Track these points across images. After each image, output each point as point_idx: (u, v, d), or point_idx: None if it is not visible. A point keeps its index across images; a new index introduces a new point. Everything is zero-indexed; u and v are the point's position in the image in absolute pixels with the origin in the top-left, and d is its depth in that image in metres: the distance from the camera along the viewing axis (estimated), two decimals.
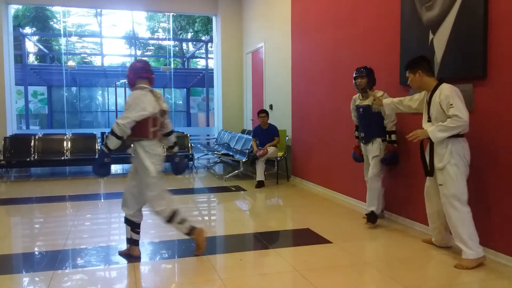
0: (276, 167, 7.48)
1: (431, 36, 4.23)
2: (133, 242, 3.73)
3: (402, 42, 4.63)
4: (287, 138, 7.74)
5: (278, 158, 7.40)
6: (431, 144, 3.60)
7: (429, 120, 3.63)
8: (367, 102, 4.65)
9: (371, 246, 4.10)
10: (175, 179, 8.27)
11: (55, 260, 3.69)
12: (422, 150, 3.75)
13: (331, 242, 4.13)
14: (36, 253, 3.98)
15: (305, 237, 4.39)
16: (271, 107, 8.60)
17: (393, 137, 4.58)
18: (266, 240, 4.27)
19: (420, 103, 3.83)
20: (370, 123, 4.65)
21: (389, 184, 4.92)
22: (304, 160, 7.23)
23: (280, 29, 8.07)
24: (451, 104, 3.38)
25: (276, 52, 8.41)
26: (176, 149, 3.90)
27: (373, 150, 4.61)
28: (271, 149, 7.13)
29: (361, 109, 4.69)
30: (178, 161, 3.88)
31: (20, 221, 5.32)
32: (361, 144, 4.85)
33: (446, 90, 3.47)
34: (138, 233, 3.75)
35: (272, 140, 7.26)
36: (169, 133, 3.82)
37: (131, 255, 3.71)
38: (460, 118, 3.35)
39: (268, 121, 7.42)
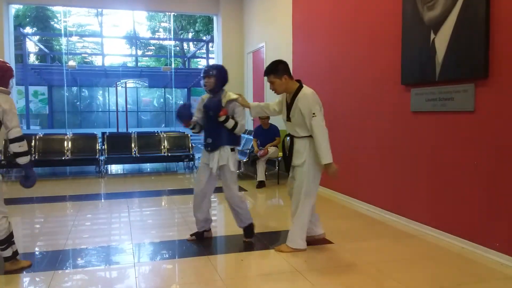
0: (277, 167, 7.47)
1: (432, 36, 4.22)
2: None
3: (403, 42, 4.61)
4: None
5: (279, 158, 7.39)
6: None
7: (289, 120, 3.83)
8: (222, 103, 4.04)
9: (372, 246, 4.08)
10: (176, 179, 8.27)
11: (55, 260, 3.68)
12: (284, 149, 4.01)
13: (332, 243, 4.12)
14: (37, 253, 3.97)
15: (306, 238, 4.37)
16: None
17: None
18: (267, 240, 4.25)
19: (281, 105, 3.99)
20: (220, 127, 3.98)
21: (390, 183, 4.91)
22: None
23: (281, 29, 8.05)
24: (314, 114, 3.65)
25: (277, 52, 8.39)
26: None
27: (222, 159, 3.99)
28: (272, 149, 7.12)
29: (211, 112, 3.99)
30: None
31: (20, 221, 5.31)
32: (204, 152, 4.12)
33: (309, 98, 3.71)
34: None
35: (273, 140, 7.25)
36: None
37: None
38: (325, 128, 3.72)
39: (269, 121, 7.41)
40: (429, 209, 4.33)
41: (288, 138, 3.98)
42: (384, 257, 3.77)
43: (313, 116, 3.66)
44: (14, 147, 3.28)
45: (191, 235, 4.28)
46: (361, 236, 4.41)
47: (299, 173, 3.85)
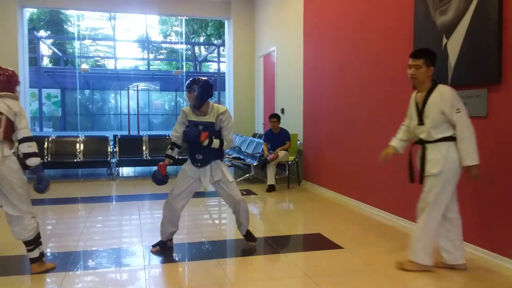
0: (287, 171, 7.46)
1: (444, 40, 4.19)
2: None
3: (415, 46, 4.59)
4: (298, 142, 7.72)
5: (289, 162, 7.38)
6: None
7: (421, 123, 3.47)
8: (208, 118, 3.89)
9: (383, 252, 4.05)
10: None
11: (67, 261, 3.71)
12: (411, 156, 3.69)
13: (342, 248, 4.10)
14: (48, 254, 4.01)
15: (316, 242, 4.37)
16: (282, 111, 8.59)
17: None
18: (276, 244, 4.25)
19: (409, 115, 3.68)
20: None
21: (402, 189, 4.88)
22: (315, 164, 7.21)
23: (293, 33, 8.07)
24: (458, 109, 3.27)
25: (288, 56, 8.41)
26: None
27: (215, 174, 3.93)
28: (282, 153, 7.12)
29: (200, 127, 3.86)
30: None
31: None
32: (190, 166, 3.98)
33: (448, 93, 3.34)
34: None
35: (283, 144, 7.25)
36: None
37: None
38: (471, 124, 3.27)
39: (280, 125, 7.41)
40: None
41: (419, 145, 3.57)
42: (395, 263, 3.74)
43: (456, 112, 3.26)
44: (23, 148, 3.32)
45: (154, 245, 4.06)
46: (372, 242, 4.39)
47: (431, 182, 3.42)
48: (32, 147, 3.34)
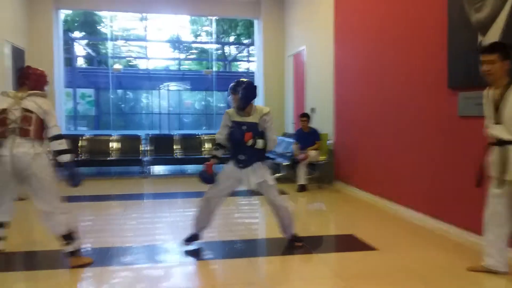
0: (318, 171, 7.42)
1: (480, 38, 4.09)
2: None
3: (449, 44, 4.49)
4: (329, 141, 7.67)
5: (320, 162, 7.34)
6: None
7: (499, 122, 3.23)
8: (252, 119, 3.91)
9: (418, 255, 3.98)
10: None
11: (104, 256, 3.81)
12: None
13: (376, 249, 4.05)
14: (87, 249, 4.12)
15: (348, 243, 4.33)
16: (313, 110, 8.55)
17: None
18: (308, 244, 4.23)
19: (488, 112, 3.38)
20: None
21: (435, 189, 4.78)
22: (347, 164, 7.14)
23: (323, 32, 8.01)
24: None
25: (318, 55, 8.36)
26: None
27: (258, 175, 3.91)
28: (312, 153, 7.09)
29: (244, 127, 3.89)
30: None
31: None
32: (232, 167, 3.98)
33: None
34: None
35: (314, 144, 7.22)
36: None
37: None
38: None
39: (310, 125, 7.38)
40: (478, 218, 4.18)
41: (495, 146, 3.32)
42: (429, 266, 3.67)
43: None
44: (55, 145, 3.43)
45: (187, 239, 4.08)
46: (405, 243, 4.32)
47: None
48: (62, 144, 3.45)
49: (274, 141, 3.95)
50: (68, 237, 3.50)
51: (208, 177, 3.98)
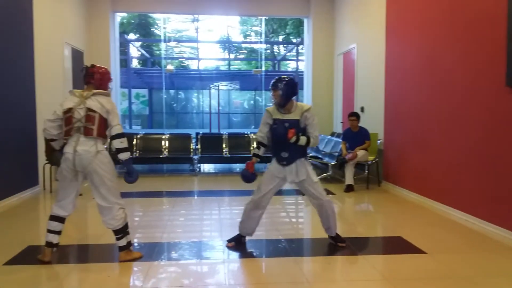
0: (366, 171, 7.28)
1: None
2: None
3: (509, 41, 4.26)
4: (378, 141, 7.50)
5: (369, 162, 7.19)
6: None
7: None
8: (292, 116, 3.88)
9: (469, 259, 3.82)
10: None
11: (152, 251, 3.93)
12: None
13: (425, 253, 3.93)
14: (136, 244, 4.27)
15: (396, 246, 4.22)
16: (362, 109, 8.39)
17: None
18: (354, 246, 4.17)
19: None
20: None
21: (490, 193, 4.56)
22: (397, 165, 6.95)
23: (374, 29, 7.85)
24: None
25: (369, 53, 8.19)
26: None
27: (301, 173, 3.88)
28: (361, 153, 6.96)
29: (286, 124, 3.84)
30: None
31: None
32: (275, 165, 3.97)
33: None
34: None
35: (362, 143, 7.09)
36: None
37: None
38: None
39: (359, 124, 7.25)
40: None
41: None
42: (482, 271, 3.51)
43: None
44: (116, 143, 3.56)
45: (230, 240, 4.15)
46: (457, 247, 4.15)
47: None
48: (123, 142, 3.58)
49: (317, 138, 3.91)
50: (122, 232, 3.63)
51: (249, 176, 4.02)
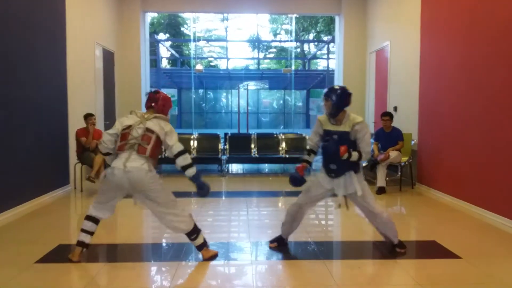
0: (399, 173, 7.08)
1: None
2: None
3: None
4: (412, 142, 7.29)
5: (402, 164, 7.00)
6: None
7: None
8: (342, 128, 3.78)
9: (507, 264, 3.64)
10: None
11: (180, 252, 3.92)
12: None
13: (460, 257, 3.77)
14: (164, 244, 4.28)
15: (430, 250, 4.07)
16: (395, 109, 8.18)
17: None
18: (386, 249, 4.04)
19: None
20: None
21: None
22: (431, 166, 6.74)
23: (408, 27, 7.64)
24: None
25: (402, 51, 7.98)
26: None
27: (350, 187, 3.78)
28: (393, 154, 6.77)
29: (335, 136, 3.77)
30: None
31: (150, 213, 5.75)
32: (324, 176, 3.89)
33: None
34: None
35: (395, 144, 6.90)
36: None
37: None
38: None
39: (392, 124, 7.06)
40: None
41: None
42: None
43: None
44: (180, 161, 3.59)
45: (272, 241, 4.13)
46: (493, 252, 3.97)
47: None
48: (187, 159, 3.61)
49: (368, 153, 3.78)
50: (194, 232, 3.66)
51: (299, 180, 3.94)
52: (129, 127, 3.57)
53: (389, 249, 3.97)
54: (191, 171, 3.60)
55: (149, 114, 3.65)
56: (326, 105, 3.79)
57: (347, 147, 3.65)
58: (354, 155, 3.68)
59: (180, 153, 3.56)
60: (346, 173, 3.77)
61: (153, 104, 3.72)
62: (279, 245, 4.09)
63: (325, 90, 3.86)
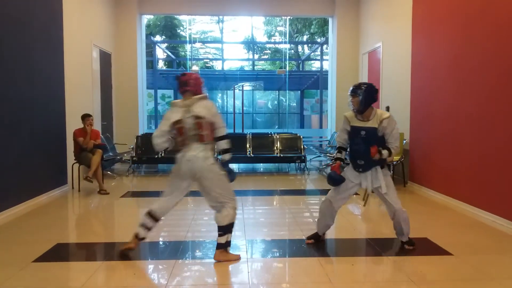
0: (391, 171, 7.18)
1: None
2: None
3: None
4: (404, 141, 7.39)
5: (394, 163, 7.09)
6: None
7: None
8: (370, 124, 3.84)
9: (497, 261, 3.73)
10: (287, 179, 8.40)
11: (177, 250, 3.99)
12: None
13: (452, 254, 3.86)
14: (161, 242, 4.34)
15: (422, 247, 4.15)
16: (387, 109, 8.29)
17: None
18: (379, 246, 4.13)
19: None
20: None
21: None
22: (423, 165, 6.84)
23: (400, 28, 7.74)
24: None
25: (395, 52, 8.09)
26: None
27: (375, 181, 3.91)
28: (386, 153, 6.85)
29: (363, 132, 3.85)
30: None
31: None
32: (352, 171, 4.01)
33: None
34: None
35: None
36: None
37: None
38: None
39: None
40: None
41: None
42: (511, 274, 3.42)
43: None
44: (222, 144, 3.67)
45: (309, 238, 4.24)
46: (485, 249, 4.06)
47: None
48: (228, 143, 3.69)
49: (397, 148, 3.88)
50: (224, 230, 3.69)
51: (338, 178, 4.00)
52: (179, 121, 3.61)
53: (400, 246, 4.09)
54: (227, 156, 3.68)
55: (189, 100, 3.66)
56: (354, 101, 3.86)
57: (377, 147, 3.74)
58: (385, 153, 3.79)
59: (225, 137, 3.65)
60: (372, 168, 3.89)
61: (187, 88, 3.71)
62: (316, 241, 4.19)
63: (352, 86, 3.93)
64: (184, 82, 3.71)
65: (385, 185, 3.89)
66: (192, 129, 3.59)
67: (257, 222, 5.19)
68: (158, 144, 3.69)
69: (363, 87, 3.82)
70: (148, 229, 3.74)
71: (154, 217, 3.75)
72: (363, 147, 3.79)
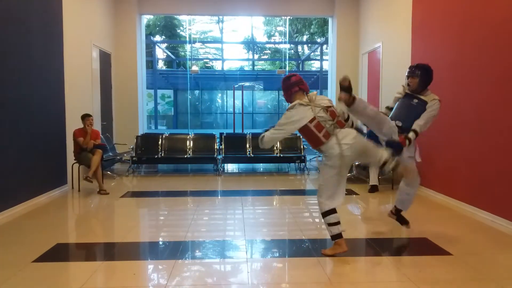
0: (391, 171, 7.17)
1: None
2: None
3: None
4: None
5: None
6: None
7: None
8: (426, 98, 4.17)
9: (496, 261, 3.74)
10: (287, 179, 8.41)
11: (176, 250, 3.99)
12: None
13: (451, 254, 3.86)
14: (160, 243, 4.34)
15: (421, 247, 4.16)
16: (388, 109, 8.28)
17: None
18: (378, 246, 4.13)
19: None
20: (413, 118, 4.13)
21: None
22: (423, 165, 6.81)
23: (400, 28, 7.74)
24: None
25: (394, 52, 8.09)
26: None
27: (410, 149, 4.18)
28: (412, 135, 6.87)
29: (415, 100, 4.17)
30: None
31: (147, 212, 5.85)
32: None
33: None
34: None
35: None
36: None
37: None
38: None
39: None
40: None
41: None
42: (510, 273, 3.43)
43: None
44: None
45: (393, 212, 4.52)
46: (484, 249, 4.07)
47: None
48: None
49: (420, 126, 4.07)
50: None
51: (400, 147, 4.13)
52: (314, 119, 3.71)
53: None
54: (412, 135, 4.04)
55: (308, 97, 3.81)
56: (412, 81, 4.09)
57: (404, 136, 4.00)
58: (411, 135, 4.02)
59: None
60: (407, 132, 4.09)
61: (300, 87, 3.88)
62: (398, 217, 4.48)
63: (410, 67, 4.15)
64: (295, 83, 3.90)
65: (417, 156, 4.20)
66: (329, 120, 3.71)
67: (257, 222, 5.19)
68: (273, 143, 3.94)
69: (421, 68, 4.04)
70: (339, 223, 3.79)
71: (335, 210, 3.79)
72: (407, 112, 4.06)
